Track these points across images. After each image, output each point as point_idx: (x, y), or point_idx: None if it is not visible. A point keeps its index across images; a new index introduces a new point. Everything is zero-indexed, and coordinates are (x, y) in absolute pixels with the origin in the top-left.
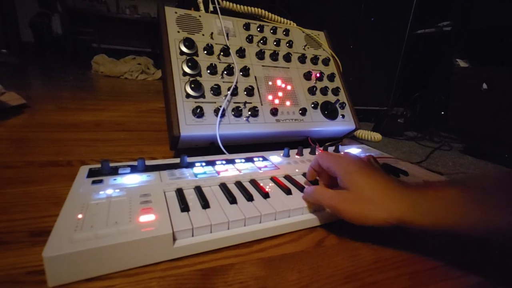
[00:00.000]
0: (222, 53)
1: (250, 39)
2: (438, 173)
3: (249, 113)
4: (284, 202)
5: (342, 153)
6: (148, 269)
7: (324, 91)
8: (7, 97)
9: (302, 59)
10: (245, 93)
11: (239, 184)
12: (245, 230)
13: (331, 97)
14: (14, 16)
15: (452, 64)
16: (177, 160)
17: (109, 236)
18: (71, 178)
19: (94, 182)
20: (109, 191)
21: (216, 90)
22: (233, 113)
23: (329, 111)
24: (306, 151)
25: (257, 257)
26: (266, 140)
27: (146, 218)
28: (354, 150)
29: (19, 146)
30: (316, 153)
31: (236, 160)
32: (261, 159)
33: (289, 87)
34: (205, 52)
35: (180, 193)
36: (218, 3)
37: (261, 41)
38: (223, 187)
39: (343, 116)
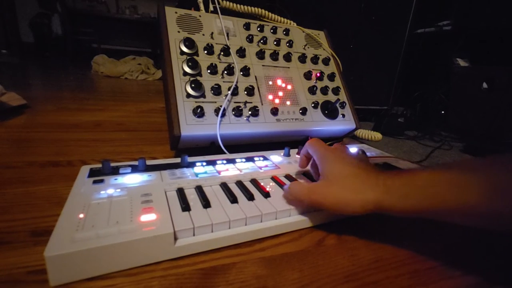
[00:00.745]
0: (222, 53)
1: (250, 39)
2: None
3: (250, 112)
4: (285, 201)
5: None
6: (149, 268)
7: (324, 90)
8: (7, 98)
9: (302, 58)
10: (246, 92)
11: (239, 184)
12: (246, 230)
13: (331, 97)
14: (14, 17)
15: (452, 63)
16: (178, 160)
17: (110, 235)
18: (71, 178)
19: (95, 182)
20: (110, 191)
21: (217, 90)
22: (233, 112)
23: (330, 110)
24: None
25: (258, 256)
26: (267, 140)
27: (147, 217)
28: (355, 149)
29: (20, 147)
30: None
31: (237, 160)
32: (261, 158)
33: (289, 87)
34: (206, 52)
35: (181, 192)
36: (218, 3)
37: (261, 41)
38: (224, 186)
39: (343, 115)
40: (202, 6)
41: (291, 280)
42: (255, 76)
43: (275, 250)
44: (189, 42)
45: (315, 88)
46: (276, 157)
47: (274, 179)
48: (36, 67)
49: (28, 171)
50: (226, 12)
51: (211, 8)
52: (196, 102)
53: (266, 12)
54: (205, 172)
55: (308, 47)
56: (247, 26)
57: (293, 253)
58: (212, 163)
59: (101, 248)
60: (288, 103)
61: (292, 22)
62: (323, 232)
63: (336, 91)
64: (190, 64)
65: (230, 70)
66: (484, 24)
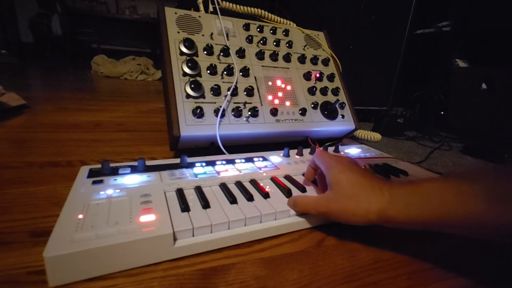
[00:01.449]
0: (222, 54)
1: (250, 40)
2: (438, 173)
3: (249, 113)
4: (284, 202)
5: (341, 153)
6: (149, 269)
7: (323, 91)
8: (7, 98)
9: (301, 59)
10: (245, 93)
11: (239, 184)
12: (246, 230)
13: (330, 97)
14: (14, 17)
15: (451, 64)
16: (177, 160)
17: (110, 236)
18: (71, 178)
19: (94, 182)
20: (110, 191)
21: (216, 91)
22: (233, 113)
23: (329, 111)
24: (306, 151)
25: (257, 256)
26: (266, 140)
27: (147, 218)
28: (354, 150)
29: (19, 147)
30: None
31: (236, 160)
32: (261, 159)
33: (289, 87)
34: (205, 52)
35: (180, 193)
36: (218, 4)
37: (261, 42)
38: (223, 187)
39: (342, 116)
40: (201, 7)
41: (291, 280)
42: (255, 77)
43: (274, 250)
44: (189, 43)
45: (314, 88)
46: (276, 158)
47: (274, 179)
48: (36, 67)
49: (28, 171)
50: (226, 12)
51: (210, 8)
52: (195, 102)
53: (266, 12)
54: (205, 173)
55: (308, 48)
56: (246, 27)
57: (292, 254)
58: (212, 163)
59: (100, 249)
60: (287, 103)
61: (291, 22)
62: (322, 233)
63: (335, 91)
64: (189, 64)
65: (229, 70)
66: (484, 24)
